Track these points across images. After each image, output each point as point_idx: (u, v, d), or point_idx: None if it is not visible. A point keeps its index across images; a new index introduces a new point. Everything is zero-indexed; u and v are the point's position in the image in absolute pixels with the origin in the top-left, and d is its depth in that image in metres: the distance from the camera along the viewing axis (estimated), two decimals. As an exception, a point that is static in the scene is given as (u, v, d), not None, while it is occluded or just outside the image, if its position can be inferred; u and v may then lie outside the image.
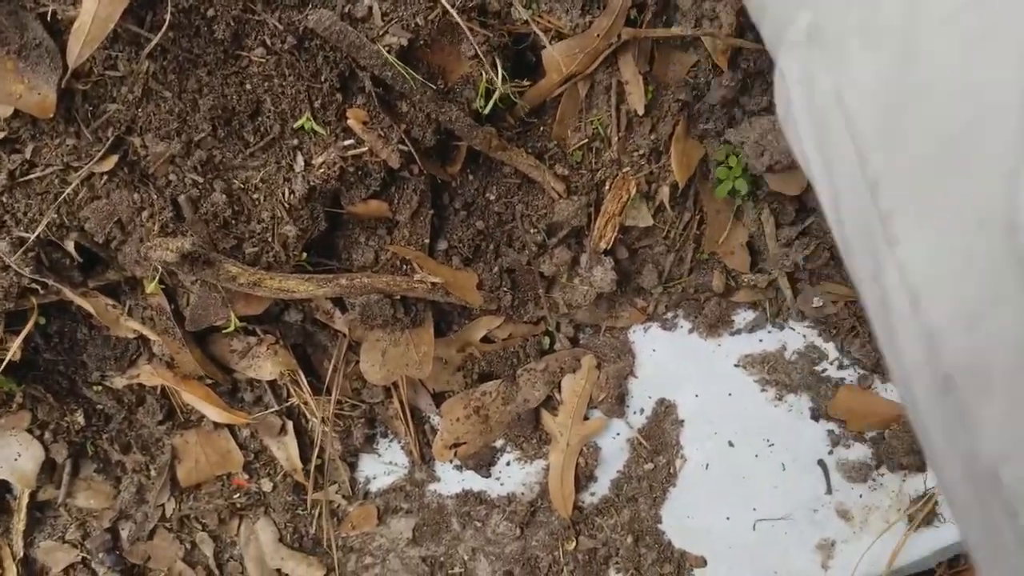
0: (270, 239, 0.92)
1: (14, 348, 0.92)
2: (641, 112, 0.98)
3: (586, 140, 1.01)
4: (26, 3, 0.79)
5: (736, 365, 1.14)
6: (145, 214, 0.88)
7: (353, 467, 1.12)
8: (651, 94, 0.98)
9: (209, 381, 1.03)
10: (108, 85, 0.84)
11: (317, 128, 0.88)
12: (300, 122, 0.88)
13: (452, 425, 1.11)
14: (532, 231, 1.04)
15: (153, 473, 1.07)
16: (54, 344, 1.00)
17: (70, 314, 0.99)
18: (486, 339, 1.11)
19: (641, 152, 1.01)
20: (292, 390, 1.04)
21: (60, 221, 0.89)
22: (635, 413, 1.14)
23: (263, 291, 0.91)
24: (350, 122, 0.88)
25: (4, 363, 0.92)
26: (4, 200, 0.87)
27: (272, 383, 1.06)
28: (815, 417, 1.13)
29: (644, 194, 1.04)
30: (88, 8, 0.78)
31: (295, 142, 0.90)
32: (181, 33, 0.83)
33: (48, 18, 0.80)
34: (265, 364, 1.03)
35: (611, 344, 1.13)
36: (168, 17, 0.80)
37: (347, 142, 0.90)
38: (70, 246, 0.90)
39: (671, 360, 1.14)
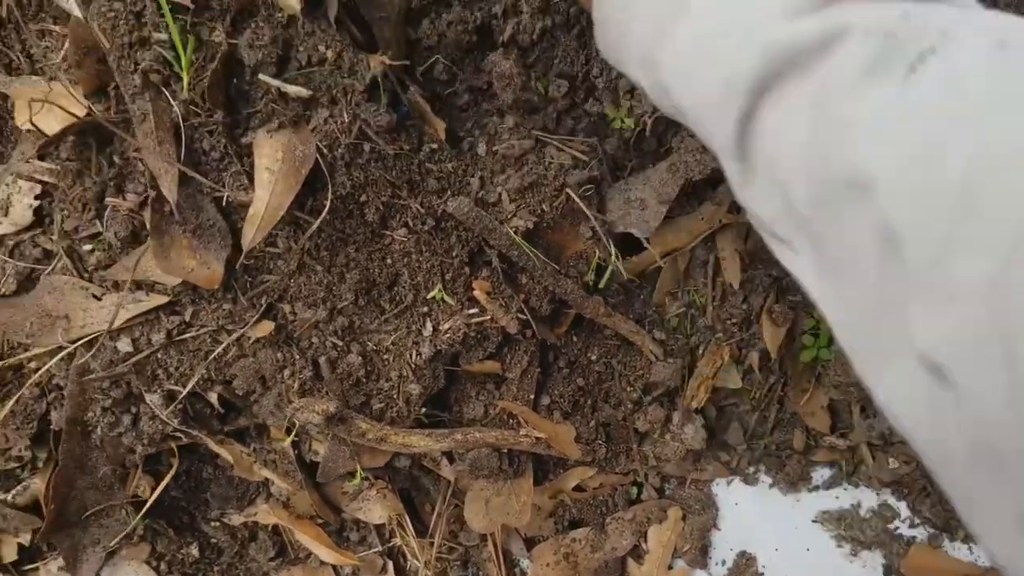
0: (395, 396, 1.00)
1: (155, 493, 0.99)
2: (736, 286, 1.06)
3: (683, 308, 1.08)
4: (204, 188, 0.89)
5: (814, 520, 1.19)
6: (287, 372, 0.96)
7: (446, 607, 1.17)
8: (746, 268, 1.06)
9: (320, 521, 1.09)
10: (267, 259, 0.93)
11: (447, 298, 0.97)
12: (432, 293, 0.97)
13: (542, 570, 1.16)
14: (629, 389, 1.11)
15: (259, 607, 1.12)
16: (181, 482, 1.07)
17: (198, 455, 1.06)
18: (578, 487, 1.17)
19: (734, 320, 1.09)
20: (397, 532, 1.10)
21: (207, 375, 0.97)
22: (717, 564, 1.19)
23: (388, 446, 0.98)
24: (476, 293, 0.97)
25: (146, 506, 0.98)
26: (159, 356, 0.96)
27: (377, 524, 1.11)
28: (887, 574, 1.17)
29: (735, 358, 1.11)
30: (261, 197, 0.88)
31: (425, 309, 0.98)
32: (336, 215, 0.92)
33: (223, 202, 0.90)
34: (375, 508, 1.09)
35: (696, 496, 1.19)
36: (328, 203, 0.89)
37: (472, 311, 0.98)
38: (213, 398, 0.97)
39: (752, 514, 1.19)
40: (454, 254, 0.96)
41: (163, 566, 1.11)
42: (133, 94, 0.86)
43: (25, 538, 1.09)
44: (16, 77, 0.96)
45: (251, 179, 0.89)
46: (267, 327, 0.94)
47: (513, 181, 0.95)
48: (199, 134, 0.88)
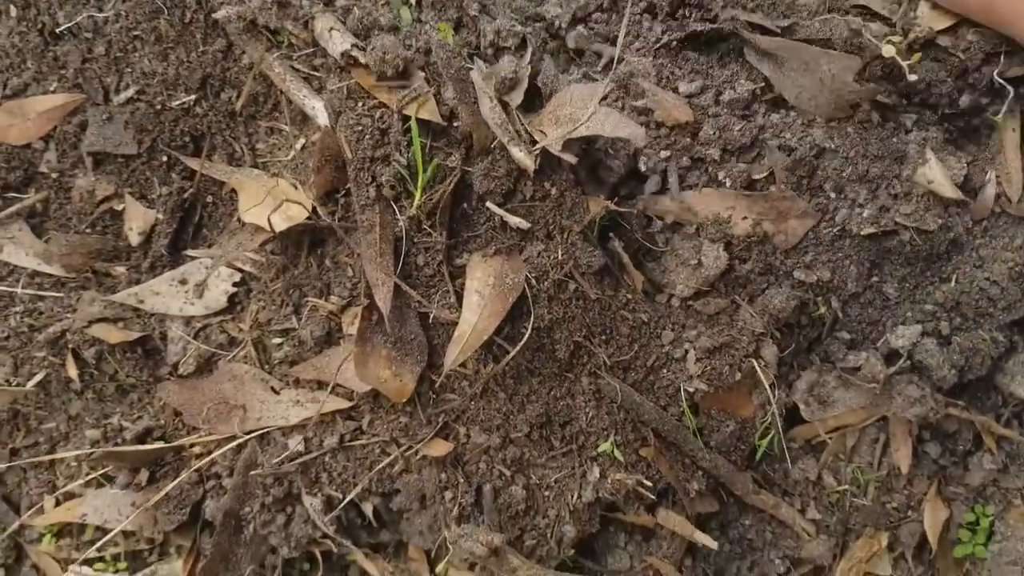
0: (548, 535, 0.97)
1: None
2: (904, 471, 1.03)
3: (845, 487, 1.06)
4: (411, 303, 0.91)
5: None
6: (448, 495, 0.94)
7: None
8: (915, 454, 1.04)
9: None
10: (453, 380, 0.93)
11: (617, 455, 0.96)
12: (604, 447, 0.95)
13: None
14: (777, 562, 1.07)
15: None
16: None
17: (330, 563, 1.03)
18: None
19: (894, 505, 1.06)
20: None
21: (368, 486, 0.95)
22: None
23: (536, 587, 0.95)
24: (644, 454, 0.96)
25: (283, 613, 0.95)
26: (327, 460, 0.95)
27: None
28: None
29: (890, 545, 1.07)
30: (468, 319, 0.89)
31: (594, 454, 0.97)
32: (528, 347, 0.92)
33: (428, 318, 0.91)
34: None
35: None
36: (528, 332, 0.90)
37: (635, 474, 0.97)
38: (369, 509, 0.96)
39: None
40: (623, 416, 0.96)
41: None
42: (364, 205, 0.89)
43: (143, 626, 1.06)
44: (238, 168, 1.00)
45: (459, 300, 0.90)
46: (442, 447, 0.93)
47: (703, 340, 0.95)
48: (416, 250, 0.91)
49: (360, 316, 0.89)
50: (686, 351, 0.96)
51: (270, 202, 0.91)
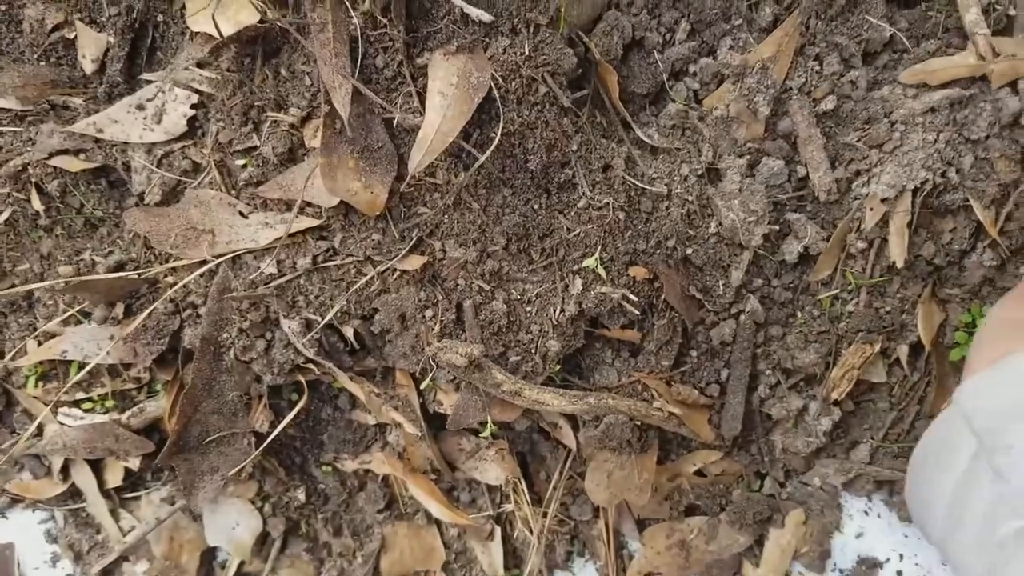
0: (533, 351, 0.95)
1: (282, 425, 0.96)
2: (900, 265, 0.99)
3: (837, 290, 1.03)
4: (374, 108, 0.86)
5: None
6: (429, 312, 0.92)
7: (547, 582, 1.12)
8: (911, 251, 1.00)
9: (433, 476, 1.05)
10: (424, 191, 0.90)
11: (600, 272, 0.92)
12: (588, 262, 0.92)
13: (652, 555, 1.10)
14: (767, 373, 1.05)
15: (359, 560, 1.08)
16: (299, 421, 1.03)
17: (319, 393, 1.03)
18: (698, 472, 1.11)
19: (887, 309, 1.03)
20: (514, 498, 1.05)
21: (346, 308, 0.93)
22: (835, 571, 1.12)
23: (520, 400, 0.94)
24: (632, 273, 0.93)
25: (268, 439, 0.95)
26: (302, 282, 0.92)
27: (490, 487, 1.07)
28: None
29: (883, 350, 1.05)
30: (432, 121, 0.84)
31: (576, 268, 0.94)
32: (499, 154, 0.88)
33: (392, 124, 0.87)
34: (491, 468, 1.04)
35: (820, 496, 1.12)
36: (497, 138, 0.85)
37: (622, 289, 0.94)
38: (350, 332, 0.94)
39: (880, 520, 1.12)
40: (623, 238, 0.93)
41: (267, 507, 1.08)
42: (314, 2, 0.83)
43: (134, 463, 1.07)
44: None
45: (422, 102, 0.86)
46: (417, 261, 0.90)
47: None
48: (374, 50, 0.86)
49: (322, 125, 0.85)
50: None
51: (216, 10, 0.86)
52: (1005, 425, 0.68)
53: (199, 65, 0.93)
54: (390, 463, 1.03)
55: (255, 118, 0.92)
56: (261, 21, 0.86)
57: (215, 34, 0.87)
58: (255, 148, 0.92)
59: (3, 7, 1.01)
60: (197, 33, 0.91)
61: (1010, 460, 0.65)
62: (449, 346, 0.88)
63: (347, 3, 0.83)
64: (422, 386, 0.95)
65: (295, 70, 0.89)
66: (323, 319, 0.92)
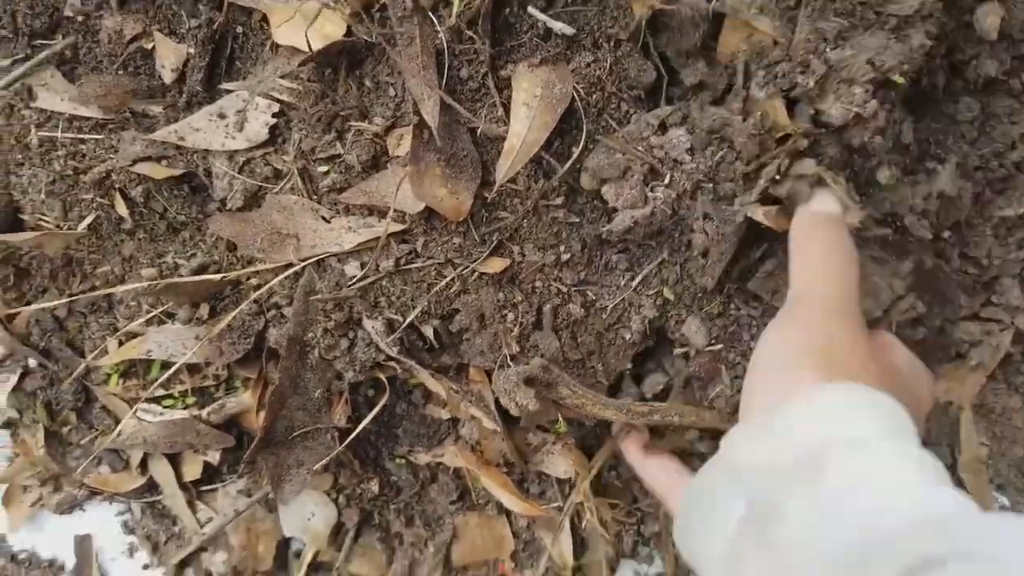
0: (597, 363, 0.99)
1: (367, 420, 0.99)
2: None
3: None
4: (460, 118, 0.89)
5: None
6: (509, 315, 0.95)
7: (613, 571, 1.15)
8: None
9: (505, 469, 1.09)
10: (505, 197, 0.92)
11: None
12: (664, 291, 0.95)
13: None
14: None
15: (431, 549, 1.12)
16: (376, 416, 1.06)
17: (394, 388, 1.06)
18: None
19: None
20: (582, 489, 1.09)
21: (427, 308, 0.96)
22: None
23: (584, 412, 0.97)
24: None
25: (353, 434, 0.99)
26: (384, 284, 0.96)
27: (559, 480, 1.11)
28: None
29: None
30: (517, 131, 0.87)
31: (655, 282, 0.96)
32: (579, 163, 0.91)
33: (476, 134, 0.89)
34: (559, 461, 1.08)
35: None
36: (581, 145, 0.88)
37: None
38: (430, 332, 0.97)
39: None
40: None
41: (341, 499, 1.12)
42: (401, 17, 0.86)
43: (213, 457, 1.11)
44: None
45: (507, 112, 0.88)
46: (498, 264, 0.93)
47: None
48: (459, 63, 0.88)
49: (411, 134, 0.88)
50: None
51: (301, 21, 0.88)
52: (779, 488, 0.57)
53: (282, 76, 0.96)
54: (463, 456, 1.07)
55: (339, 127, 0.94)
56: (348, 35, 0.89)
57: (304, 47, 0.89)
58: (338, 156, 0.94)
59: (80, 18, 1.03)
60: (281, 46, 0.94)
61: (787, 532, 0.54)
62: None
63: (433, 17, 0.86)
64: (494, 386, 0.98)
65: (379, 81, 0.92)
66: (405, 319, 0.95)
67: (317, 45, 0.89)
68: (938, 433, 1.17)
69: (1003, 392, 1.17)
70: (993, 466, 1.16)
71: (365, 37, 0.88)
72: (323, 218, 0.96)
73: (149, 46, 1.03)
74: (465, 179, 0.90)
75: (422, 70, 0.86)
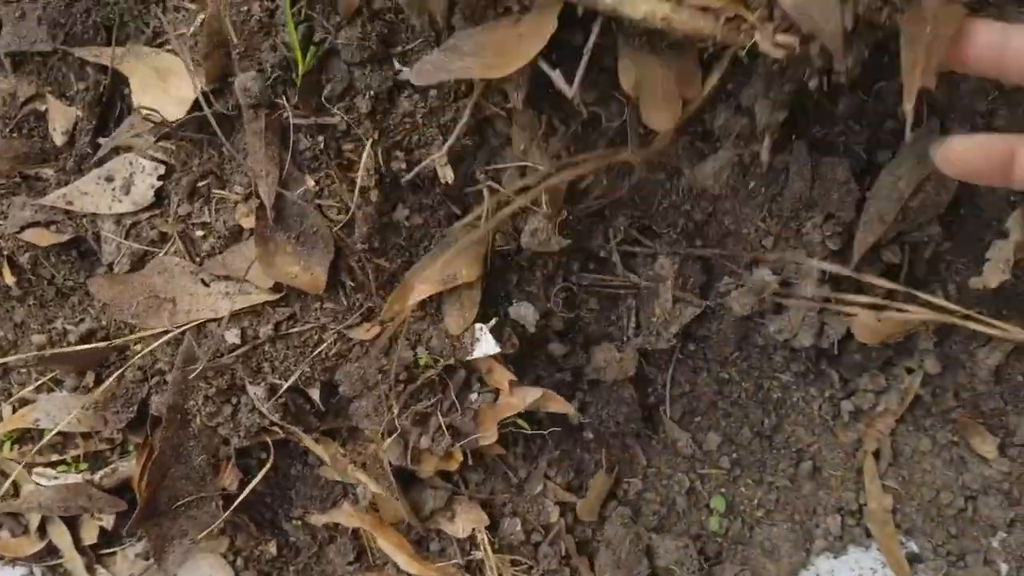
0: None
1: (250, 487, 0.99)
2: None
3: None
4: (308, 197, 0.89)
5: None
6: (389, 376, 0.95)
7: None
8: None
9: (402, 529, 1.08)
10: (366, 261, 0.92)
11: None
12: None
13: None
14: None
15: (331, 611, 1.11)
16: (268, 478, 1.05)
17: (288, 451, 1.06)
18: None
19: None
20: (482, 546, 1.08)
21: (309, 373, 0.96)
22: None
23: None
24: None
25: (237, 500, 0.98)
26: (266, 349, 0.95)
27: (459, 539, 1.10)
28: None
29: None
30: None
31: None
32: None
33: (324, 211, 0.89)
34: (459, 520, 1.07)
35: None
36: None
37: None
38: (315, 394, 0.96)
39: None
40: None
41: (239, 561, 1.10)
42: (247, 91, 0.85)
43: (108, 521, 1.09)
44: (130, 47, 0.96)
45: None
46: (372, 330, 0.93)
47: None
48: (306, 139, 0.88)
49: (255, 215, 0.88)
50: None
51: (161, 87, 0.88)
52: None
53: (164, 137, 0.95)
54: (359, 517, 1.06)
55: (204, 193, 0.94)
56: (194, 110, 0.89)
57: (163, 112, 0.89)
58: (208, 223, 0.94)
59: (-27, 81, 1.03)
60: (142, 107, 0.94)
61: None
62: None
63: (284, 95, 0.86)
64: (384, 447, 0.98)
65: (239, 148, 0.91)
66: (286, 384, 0.94)
67: (173, 110, 0.89)
68: (845, 479, 1.16)
69: (912, 435, 1.16)
70: (901, 511, 1.15)
71: (217, 109, 0.87)
72: (203, 282, 0.96)
73: (43, 108, 1.03)
74: (317, 255, 0.89)
75: (264, 147, 0.86)
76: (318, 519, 1.09)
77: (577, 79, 0.79)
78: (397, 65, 0.85)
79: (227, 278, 0.95)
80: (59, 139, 1.02)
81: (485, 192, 0.90)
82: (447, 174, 0.88)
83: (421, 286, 0.92)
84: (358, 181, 0.86)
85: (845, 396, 1.16)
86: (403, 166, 0.88)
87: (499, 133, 0.91)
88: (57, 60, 1.00)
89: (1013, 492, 1.13)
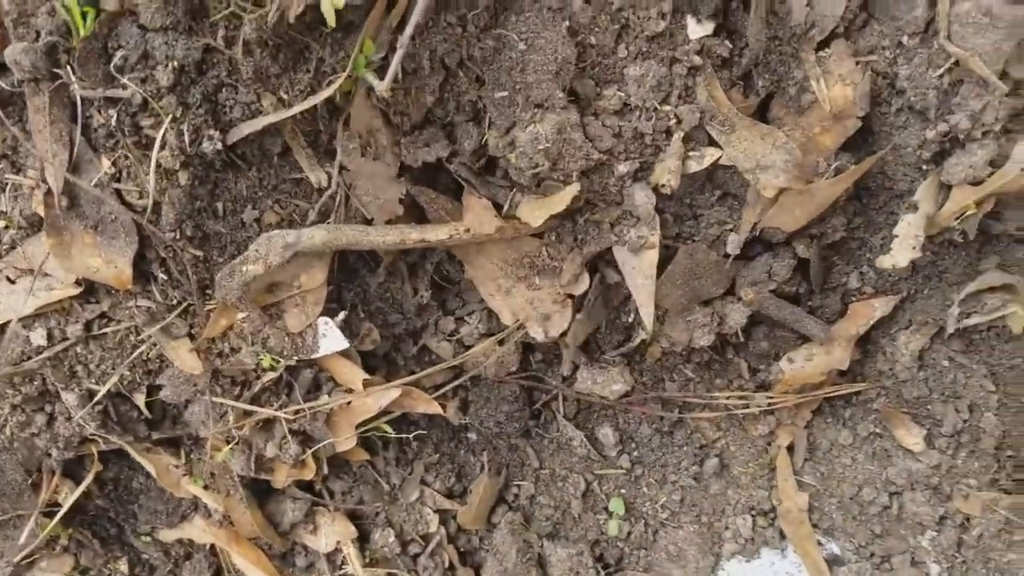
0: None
1: (71, 499, 0.89)
2: None
3: None
4: (104, 180, 0.77)
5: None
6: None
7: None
8: None
9: (263, 543, 0.97)
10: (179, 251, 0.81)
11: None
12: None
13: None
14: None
15: (192, 633, 1.01)
16: (108, 491, 0.96)
17: (128, 461, 0.95)
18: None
19: None
20: (350, 561, 0.98)
21: (131, 377, 0.85)
22: None
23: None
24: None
25: (60, 513, 0.88)
26: (79, 351, 0.84)
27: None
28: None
29: None
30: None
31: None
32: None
33: (123, 195, 0.78)
34: (326, 532, 0.97)
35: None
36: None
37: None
38: (140, 401, 0.86)
39: None
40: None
41: (90, 581, 1.01)
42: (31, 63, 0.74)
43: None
44: None
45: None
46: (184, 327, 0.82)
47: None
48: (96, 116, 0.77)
49: (44, 203, 0.76)
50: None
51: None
52: None
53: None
54: (212, 532, 0.96)
55: (0, 179, 0.82)
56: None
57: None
58: (5, 212, 0.83)
59: None
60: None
61: None
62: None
63: (70, 69, 0.74)
64: (219, 457, 0.87)
65: (28, 131, 0.79)
66: (102, 389, 0.84)
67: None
68: (756, 476, 1.06)
69: (830, 427, 1.06)
70: (819, 509, 1.05)
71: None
72: (8, 279, 0.85)
73: None
74: (119, 246, 0.78)
75: (49, 125, 0.74)
76: (168, 535, 0.98)
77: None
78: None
79: (31, 272, 0.84)
80: None
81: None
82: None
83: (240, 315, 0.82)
84: (153, 160, 0.74)
85: (756, 388, 1.05)
86: (217, 146, 0.76)
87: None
88: None
89: (943, 487, 1.02)
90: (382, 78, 0.72)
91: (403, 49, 0.70)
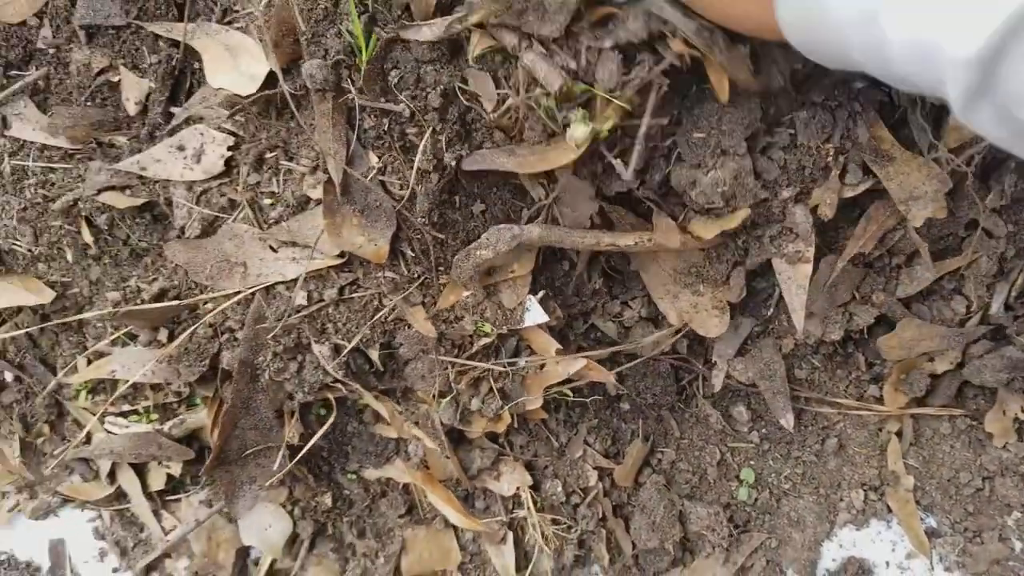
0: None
1: (314, 439, 1.05)
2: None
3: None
4: (368, 174, 0.94)
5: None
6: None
7: (555, 584, 1.21)
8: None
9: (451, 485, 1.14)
10: (426, 234, 0.98)
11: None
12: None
13: (651, 558, 1.19)
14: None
15: (381, 560, 1.18)
16: (327, 434, 1.12)
17: (346, 409, 1.12)
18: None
19: None
20: (525, 504, 1.14)
21: (370, 336, 1.02)
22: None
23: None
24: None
25: (302, 451, 1.05)
26: (330, 312, 1.01)
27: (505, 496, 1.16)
28: None
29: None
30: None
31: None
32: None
33: (387, 187, 0.95)
34: (504, 479, 1.13)
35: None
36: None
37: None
38: (375, 355, 1.03)
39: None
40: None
41: (297, 511, 1.18)
42: (315, 75, 0.91)
43: (176, 469, 1.17)
44: (200, 24, 1.01)
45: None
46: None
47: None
48: (370, 120, 0.94)
49: (324, 190, 0.94)
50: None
51: (232, 63, 0.94)
52: None
53: (230, 110, 1.01)
54: (410, 473, 1.12)
55: (272, 165, 1.00)
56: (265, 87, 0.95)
57: (234, 89, 0.96)
58: (275, 192, 1.00)
59: (51, 51, 1.09)
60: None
61: None
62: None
63: (348, 79, 0.91)
64: (435, 407, 1.04)
65: (308, 124, 0.97)
66: (349, 345, 1.01)
67: (245, 86, 0.95)
68: (869, 457, 1.22)
69: (932, 418, 1.21)
70: (921, 488, 1.20)
71: (286, 89, 0.93)
72: (271, 247, 1.02)
73: (115, 79, 1.09)
74: (380, 227, 0.96)
75: (332, 127, 0.91)
76: (372, 474, 1.15)
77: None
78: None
79: (293, 244, 1.01)
80: (132, 109, 1.08)
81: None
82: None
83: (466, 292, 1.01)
84: (416, 163, 0.91)
85: (870, 380, 1.21)
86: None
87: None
88: (130, 34, 1.05)
89: (1029, 474, 1.18)
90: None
91: (640, 146, 0.87)
